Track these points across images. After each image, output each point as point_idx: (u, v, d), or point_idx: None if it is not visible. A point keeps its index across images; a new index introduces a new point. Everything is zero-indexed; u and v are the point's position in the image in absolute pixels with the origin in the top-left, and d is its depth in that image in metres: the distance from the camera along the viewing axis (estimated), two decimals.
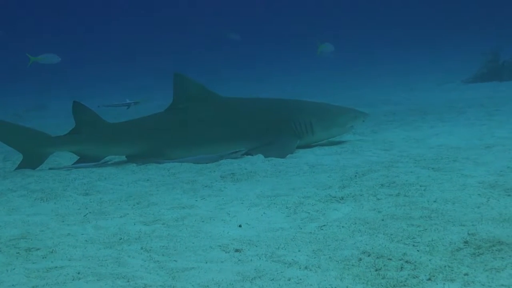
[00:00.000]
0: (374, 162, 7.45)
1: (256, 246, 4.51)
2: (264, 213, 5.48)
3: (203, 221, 5.30)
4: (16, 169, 8.60)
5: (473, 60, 20.71)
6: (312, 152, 8.72)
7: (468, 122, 10.74)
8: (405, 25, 48.76)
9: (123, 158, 9.04)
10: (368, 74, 26.78)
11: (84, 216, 5.73)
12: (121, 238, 4.92)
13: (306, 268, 3.97)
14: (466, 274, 3.67)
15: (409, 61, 30.32)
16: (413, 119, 11.89)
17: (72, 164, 8.71)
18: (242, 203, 5.88)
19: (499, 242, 4.14)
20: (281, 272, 3.92)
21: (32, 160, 8.67)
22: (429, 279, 3.64)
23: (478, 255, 3.97)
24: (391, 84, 22.06)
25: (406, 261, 3.93)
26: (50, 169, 8.57)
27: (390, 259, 3.99)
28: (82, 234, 5.10)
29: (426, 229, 4.60)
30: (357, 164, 7.43)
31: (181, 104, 9.02)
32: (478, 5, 48.56)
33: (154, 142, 8.85)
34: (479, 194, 5.47)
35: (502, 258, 3.88)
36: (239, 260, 4.24)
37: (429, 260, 3.92)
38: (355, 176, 6.69)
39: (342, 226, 4.84)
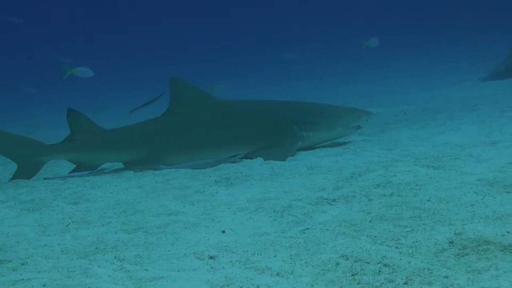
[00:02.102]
0: (373, 162, 7.19)
1: (233, 253, 4.28)
2: (250, 217, 5.26)
3: (185, 228, 5.09)
4: (10, 179, 8.45)
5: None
6: (313, 154, 8.48)
7: (478, 119, 10.41)
8: (426, 24, 48.33)
9: (121, 165, 8.85)
10: (385, 74, 26.48)
11: (66, 225, 5.54)
12: (97, 248, 4.72)
13: (278, 274, 3.73)
14: (445, 277, 3.41)
15: (430, 61, 29.94)
16: (423, 118, 11.60)
17: (68, 173, 8.55)
18: (229, 208, 5.67)
19: (486, 241, 3.86)
20: (251, 279, 3.69)
21: (27, 170, 8.52)
22: (406, 283, 3.39)
23: (462, 256, 3.71)
24: (409, 84, 21.75)
25: (385, 265, 3.68)
26: (45, 178, 8.40)
27: (368, 263, 3.75)
28: (58, 245, 4.90)
29: (413, 230, 4.34)
30: (356, 164, 7.19)
31: (178, 108, 8.82)
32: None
33: (151, 147, 8.65)
34: (475, 192, 5.21)
35: (487, 258, 3.61)
36: (211, 267, 4.02)
37: (409, 262, 3.66)
38: (351, 177, 6.45)
39: (326, 229, 4.60)
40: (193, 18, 65.53)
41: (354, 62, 34.24)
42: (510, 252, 3.66)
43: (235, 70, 38.57)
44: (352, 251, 3.98)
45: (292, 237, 4.51)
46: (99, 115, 20.45)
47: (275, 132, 8.80)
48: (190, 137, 8.71)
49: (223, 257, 4.19)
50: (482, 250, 3.74)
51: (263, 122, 8.92)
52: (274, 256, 4.10)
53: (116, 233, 5.12)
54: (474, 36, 35.87)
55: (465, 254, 3.72)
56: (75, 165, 8.75)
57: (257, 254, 4.17)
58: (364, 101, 17.13)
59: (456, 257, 3.70)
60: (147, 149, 8.64)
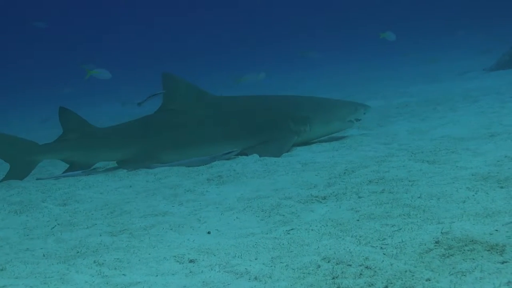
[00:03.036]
0: (368, 157, 7.05)
1: (214, 255, 4.16)
2: (236, 217, 5.14)
3: (171, 229, 4.97)
4: (2, 180, 8.33)
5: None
6: (309, 149, 8.34)
7: (479, 111, 10.24)
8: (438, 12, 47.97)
9: (115, 164, 8.73)
10: (392, 65, 26.26)
11: (52, 228, 5.43)
12: (78, 252, 4.61)
13: (255, 279, 3.60)
14: (428, 280, 3.28)
15: (440, 50, 29.64)
16: (424, 110, 11.43)
17: (62, 173, 8.43)
18: (217, 207, 5.54)
19: (473, 241, 3.73)
20: (228, 284, 3.57)
21: (19, 170, 8.40)
22: (386, 287, 3.26)
23: (447, 257, 3.57)
24: (414, 75, 21.53)
25: (366, 267, 3.55)
26: (37, 179, 8.29)
27: (350, 265, 3.61)
28: (41, 249, 4.80)
29: (400, 229, 4.21)
30: (351, 160, 7.04)
31: (171, 105, 8.68)
32: None
33: (144, 145, 8.52)
34: (467, 188, 5.07)
35: (473, 259, 3.47)
36: (190, 272, 3.89)
37: (391, 265, 3.52)
38: (344, 173, 6.32)
39: (312, 229, 4.47)
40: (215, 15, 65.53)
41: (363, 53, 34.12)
42: (497, 252, 3.52)
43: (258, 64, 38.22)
44: (335, 253, 3.85)
45: (276, 238, 4.38)
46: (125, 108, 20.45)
47: (270, 128, 8.66)
48: (184, 135, 8.58)
49: (203, 260, 4.07)
50: (468, 250, 3.60)
51: (258, 118, 8.78)
52: (255, 259, 3.97)
53: (100, 235, 5.00)
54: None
55: (451, 255, 3.58)
56: (68, 165, 8.62)
57: (238, 257, 4.04)
58: (367, 94, 16.94)
59: (441, 258, 3.56)
60: (140, 147, 8.51)
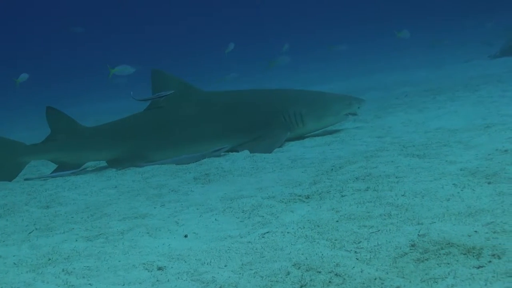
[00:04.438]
0: (358, 153, 6.88)
1: (185, 262, 4.01)
2: (215, 219, 4.98)
3: (147, 233, 4.82)
4: None
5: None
6: (301, 144, 8.18)
7: (478, 100, 10.03)
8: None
9: (105, 163, 8.59)
10: (399, 54, 26.00)
11: (29, 233, 5.28)
12: (49, 259, 4.46)
13: None
14: None
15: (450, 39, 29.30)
16: (423, 100, 11.22)
17: (50, 173, 8.30)
18: (197, 209, 5.38)
19: (449, 243, 3.56)
20: None
21: (8, 171, 8.27)
22: None
23: (422, 261, 3.40)
24: (418, 63, 21.28)
25: (336, 274, 3.39)
26: (25, 179, 8.17)
27: (320, 272, 3.45)
28: (13, 256, 4.65)
29: (378, 231, 4.04)
30: (340, 155, 6.88)
31: (161, 102, 8.51)
32: None
33: (134, 144, 8.36)
34: (454, 184, 4.90)
35: (448, 264, 3.31)
36: (157, 280, 3.74)
37: (361, 271, 3.36)
38: (331, 169, 6.14)
39: (288, 232, 4.31)
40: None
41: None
42: (473, 256, 3.36)
43: None
44: (307, 258, 3.69)
45: (249, 242, 4.22)
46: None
47: (262, 124, 8.48)
48: (174, 132, 8.41)
49: (172, 267, 3.92)
50: (444, 254, 3.44)
51: (250, 113, 8.60)
52: (225, 266, 3.82)
53: (76, 240, 4.86)
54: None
55: (425, 259, 3.42)
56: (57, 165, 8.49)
57: (207, 264, 3.89)
58: (369, 84, 16.77)
59: (415, 263, 3.40)
60: (130, 146, 8.35)
